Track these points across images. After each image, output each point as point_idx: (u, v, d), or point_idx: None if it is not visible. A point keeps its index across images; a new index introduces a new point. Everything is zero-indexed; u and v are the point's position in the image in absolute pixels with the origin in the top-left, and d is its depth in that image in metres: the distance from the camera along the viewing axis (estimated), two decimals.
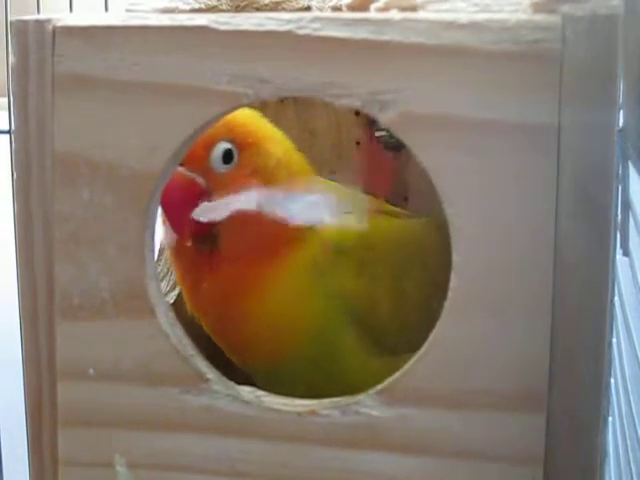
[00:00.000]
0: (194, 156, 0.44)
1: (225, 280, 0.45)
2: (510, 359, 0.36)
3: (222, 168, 0.45)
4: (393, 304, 0.46)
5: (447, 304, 0.36)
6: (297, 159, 0.48)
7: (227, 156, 0.46)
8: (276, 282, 0.45)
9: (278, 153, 0.47)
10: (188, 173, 0.45)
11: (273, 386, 0.40)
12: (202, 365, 0.39)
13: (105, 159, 0.38)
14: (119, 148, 0.38)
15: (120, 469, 0.39)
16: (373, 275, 0.46)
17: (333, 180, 0.55)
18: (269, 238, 0.45)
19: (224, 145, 0.45)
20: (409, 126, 0.35)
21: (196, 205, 0.45)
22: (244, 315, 0.45)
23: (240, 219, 0.45)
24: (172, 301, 0.51)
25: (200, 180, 0.45)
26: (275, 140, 0.48)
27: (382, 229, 0.49)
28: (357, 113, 0.59)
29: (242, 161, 0.46)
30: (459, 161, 0.35)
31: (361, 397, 0.37)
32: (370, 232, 0.47)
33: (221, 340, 0.48)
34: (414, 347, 0.37)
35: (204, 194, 0.45)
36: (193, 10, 0.47)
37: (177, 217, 0.45)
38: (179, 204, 0.44)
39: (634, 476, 0.61)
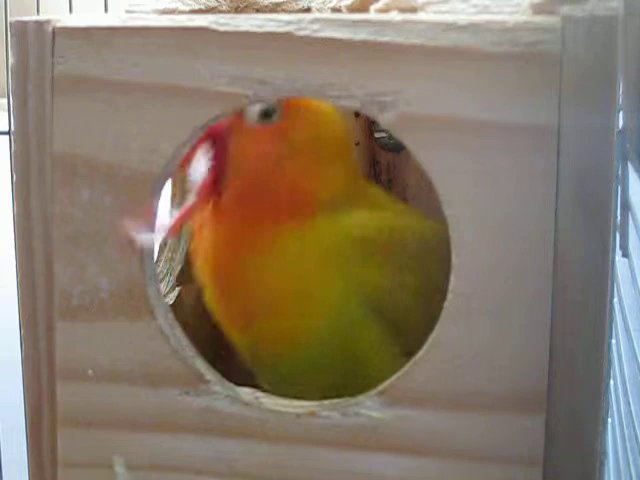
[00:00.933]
0: None
1: (227, 230, 0.44)
2: (510, 360, 0.36)
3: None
4: (417, 303, 0.45)
5: (447, 305, 0.36)
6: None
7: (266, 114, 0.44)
8: (284, 246, 0.44)
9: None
10: None
11: (283, 384, 0.39)
12: (201, 366, 0.39)
13: (104, 160, 0.38)
14: (118, 149, 0.38)
15: (119, 470, 0.39)
16: (399, 272, 0.45)
17: None
18: (279, 201, 0.44)
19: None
20: (408, 127, 0.35)
21: None
22: (247, 274, 0.44)
23: (250, 176, 0.44)
24: (171, 302, 0.51)
25: None
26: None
27: (411, 228, 0.48)
28: (357, 114, 0.59)
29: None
30: (459, 162, 0.35)
31: (361, 398, 0.37)
32: (398, 230, 0.46)
33: (227, 315, 0.46)
34: None
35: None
36: (193, 11, 0.47)
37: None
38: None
39: (633, 477, 0.61)
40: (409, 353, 0.39)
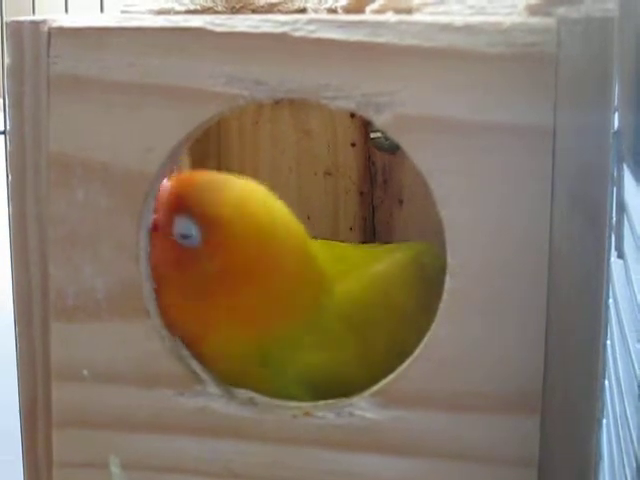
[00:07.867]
0: None
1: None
2: (505, 361, 0.36)
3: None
4: (362, 365, 0.42)
5: (442, 306, 0.36)
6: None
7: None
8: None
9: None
10: None
11: None
12: (197, 367, 0.39)
13: (100, 160, 0.38)
14: (114, 149, 0.38)
15: (115, 470, 0.39)
16: (337, 346, 0.42)
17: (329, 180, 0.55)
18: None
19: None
20: (404, 128, 0.36)
21: None
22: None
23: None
24: None
25: None
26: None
27: (335, 301, 0.43)
28: (352, 114, 0.59)
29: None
30: (454, 163, 0.35)
31: (355, 399, 0.37)
32: (324, 307, 0.43)
33: None
34: None
35: None
36: (188, 11, 0.47)
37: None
38: None
39: (628, 478, 0.61)
40: None
